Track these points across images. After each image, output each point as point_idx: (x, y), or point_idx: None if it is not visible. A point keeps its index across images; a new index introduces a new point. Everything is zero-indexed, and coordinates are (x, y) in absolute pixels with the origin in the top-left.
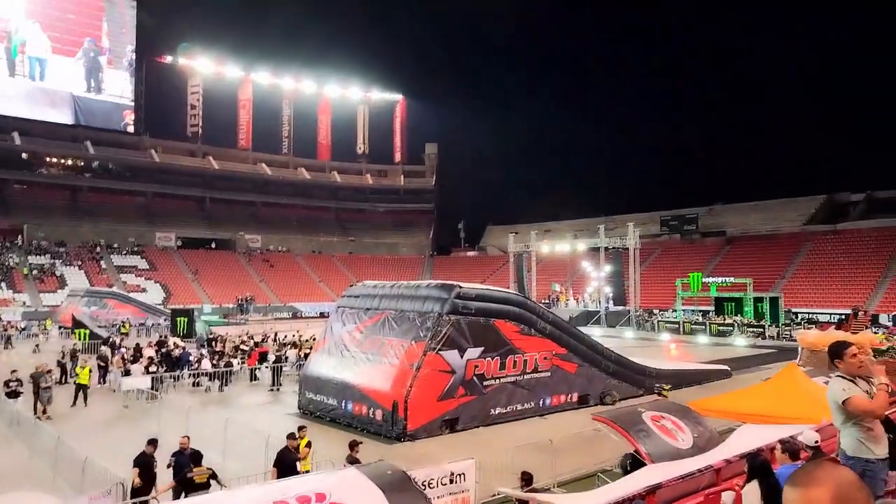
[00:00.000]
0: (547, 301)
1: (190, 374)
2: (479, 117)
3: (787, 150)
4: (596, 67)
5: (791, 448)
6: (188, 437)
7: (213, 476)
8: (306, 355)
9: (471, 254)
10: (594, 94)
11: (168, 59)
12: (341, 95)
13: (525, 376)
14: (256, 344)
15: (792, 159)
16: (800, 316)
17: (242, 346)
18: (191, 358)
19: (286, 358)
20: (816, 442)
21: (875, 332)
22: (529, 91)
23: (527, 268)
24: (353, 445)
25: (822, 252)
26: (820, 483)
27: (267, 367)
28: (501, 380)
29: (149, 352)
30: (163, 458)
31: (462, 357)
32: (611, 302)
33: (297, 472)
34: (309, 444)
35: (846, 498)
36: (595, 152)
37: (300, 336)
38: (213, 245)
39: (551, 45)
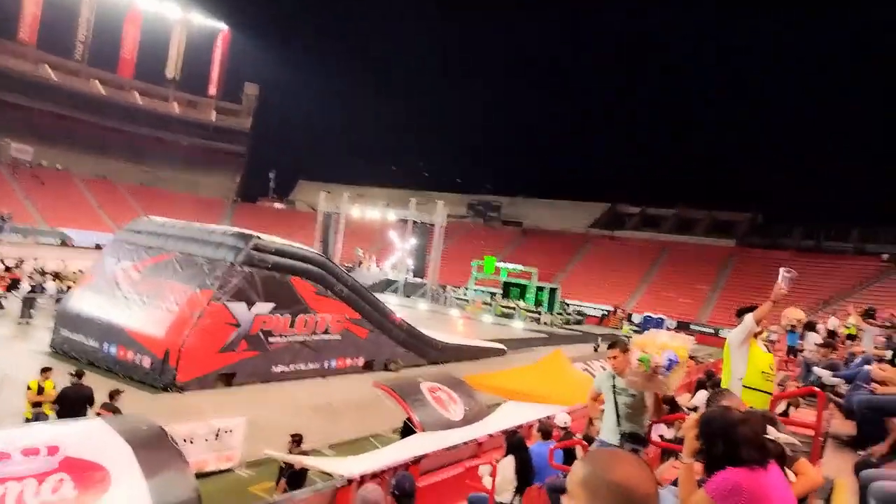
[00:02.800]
0: (350, 265)
1: None
2: (308, 68)
3: (584, 159)
4: (425, 50)
5: (545, 428)
6: None
7: None
8: (69, 288)
9: (278, 206)
10: (421, 72)
11: None
12: (156, 11)
13: (314, 337)
14: (7, 269)
15: (588, 167)
16: (571, 307)
17: None
18: None
19: (43, 288)
20: (566, 423)
21: (634, 330)
22: (361, 52)
23: (334, 229)
24: (114, 395)
25: (599, 254)
26: (593, 474)
27: (17, 296)
28: (289, 338)
29: None
30: None
31: (250, 310)
32: (411, 273)
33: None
34: (55, 388)
35: (596, 494)
36: (417, 127)
37: (65, 266)
38: None
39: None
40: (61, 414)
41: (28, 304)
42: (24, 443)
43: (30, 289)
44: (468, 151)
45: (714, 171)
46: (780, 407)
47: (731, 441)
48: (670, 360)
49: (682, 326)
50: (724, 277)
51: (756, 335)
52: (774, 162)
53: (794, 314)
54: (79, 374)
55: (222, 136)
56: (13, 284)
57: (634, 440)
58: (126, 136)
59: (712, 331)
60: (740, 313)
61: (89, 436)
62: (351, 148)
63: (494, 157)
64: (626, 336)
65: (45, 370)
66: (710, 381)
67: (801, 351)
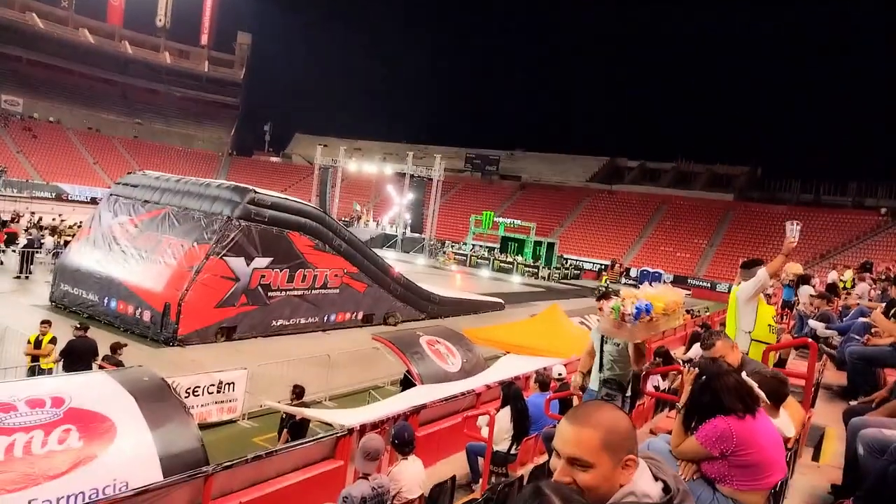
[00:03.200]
0: (346, 220)
1: None
2: (303, 16)
3: (583, 112)
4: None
5: (542, 380)
6: None
7: None
8: (66, 243)
9: (274, 160)
10: (422, 23)
11: None
12: None
13: (313, 291)
14: (3, 223)
15: (587, 121)
16: (569, 261)
17: None
18: None
19: (41, 243)
20: (561, 375)
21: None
22: (354, 3)
23: (331, 183)
24: (116, 348)
25: (598, 208)
26: (593, 424)
27: (15, 251)
28: (288, 292)
29: None
30: None
31: (248, 265)
32: (408, 228)
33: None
34: (53, 341)
35: (613, 443)
36: (414, 80)
37: (62, 220)
38: None
39: None
40: (68, 366)
41: (26, 258)
42: (28, 394)
43: (27, 243)
44: (466, 105)
45: (713, 125)
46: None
47: (716, 391)
48: (638, 308)
49: (679, 280)
50: (722, 231)
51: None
52: (773, 116)
53: (792, 268)
54: (83, 328)
55: (215, 87)
56: (10, 239)
57: (612, 386)
58: (118, 87)
59: (709, 285)
60: (746, 266)
61: (93, 388)
62: (347, 100)
63: (493, 111)
64: (604, 287)
65: (45, 323)
66: (706, 329)
67: (797, 304)
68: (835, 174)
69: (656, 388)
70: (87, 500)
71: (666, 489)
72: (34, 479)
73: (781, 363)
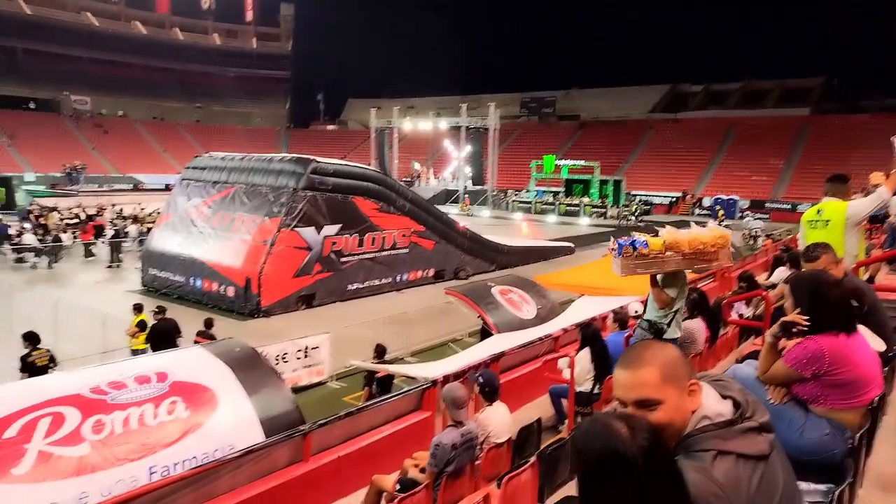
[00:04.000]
0: (408, 179)
1: (13, 250)
2: None
3: (638, 42)
4: None
5: (621, 318)
6: None
7: (52, 359)
8: (149, 230)
9: (330, 128)
10: None
11: None
12: None
13: (383, 253)
14: (90, 217)
15: (643, 48)
16: (637, 198)
17: (68, 221)
18: (9, 231)
19: (126, 233)
20: (638, 312)
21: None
22: None
23: (388, 145)
24: (209, 324)
25: (663, 139)
26: (648, 362)
27: (104, 243)
28: (359, 256)
29: None
30: None
31: (319, 234)
32: (470, 181)
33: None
34: (141, 324)
35: (673, 374)
36: (461, 28)
37: (142, 209)
38: (33, 106)
39: None
40: (155, 346)
41: (115, 248)
42: (135, 372)
43: (114, 234)
44: (516, 48)
45: (781, 36)
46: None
47: (817, 302)
48: (620, 244)
49: (756, 205)
50: (800, 150)
51: None
52: (847, 20)
53: (875, 179)
54: (161, 310)
55: (265, 62)
56: (98, 232)
57: (647, 328)
58: (174, 74)
59: (789, 206)
60: (839, 180)
61: (192, 361)
62: (395, 59)
63: (544, 51)
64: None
65: (137, 307)
66: (787, 254)
67: (887, 217)
68: None
69: (741, 316)
70: (200, 464)
71: (736, 405)
72: (151, 447)
73: (870, 281)
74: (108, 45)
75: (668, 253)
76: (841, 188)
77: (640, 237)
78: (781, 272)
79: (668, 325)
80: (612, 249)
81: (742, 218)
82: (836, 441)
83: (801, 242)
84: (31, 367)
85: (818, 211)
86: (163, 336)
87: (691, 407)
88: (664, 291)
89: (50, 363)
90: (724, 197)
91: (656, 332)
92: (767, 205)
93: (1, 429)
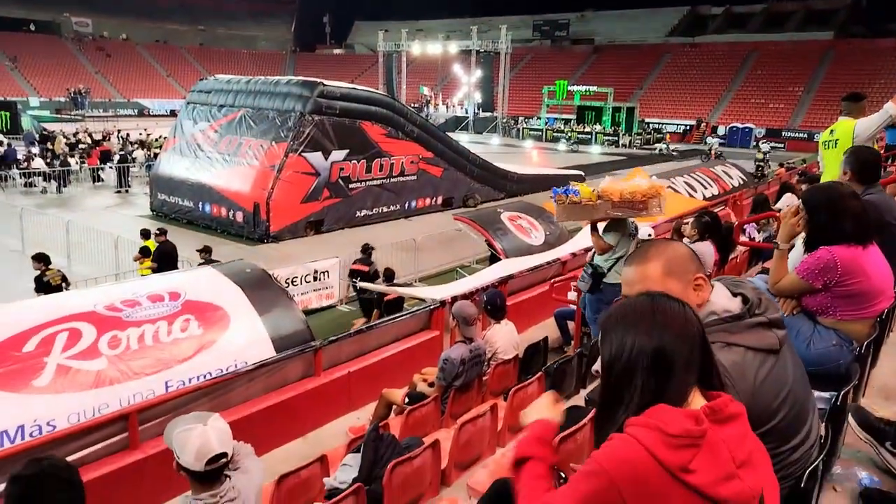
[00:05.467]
0: (417, 105)
1: (21, 174)
2: None
3: None
4: None
5: None
6: None
7: (64, 278)
8: (156, 155)
9: (337, 51)
10: None
11: None
12: None
13: (391, 179)
14: (96, 142)
15: None
16: (651, 125)
17: (80, 145)
18: (18, 156)
19: (133, 158)
20: (650, 236)
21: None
22: None
23: (397, 69)
24: (208, 250)
25: (680, 64)
26: (652, 258)
27: (111, 168)
28: (367, 183)
29: None
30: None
31: (326, 159)
32: (479, 108)
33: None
34: (144, 252)
35: (678, 269)
36: None
37: (148, 135)
38: (33, 28)
39: None
40: (160, 267)
41: (122, 173)
42: (148, 291)
43: (120, 159)
44: None
45: None
46: None
47: (835, 211)
48: (555, 191)
49: (772, 134)
50: (821, 75)
51: None
52: None
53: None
54: (163, 232)
55: None
56: (105, 157)
57: (590, 272)
58: None
59: (805, 135)
60: (854, 98)
61: (203, 281)
62: None
63: None
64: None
65: (144, 233)
66: (804, 177)
67: None
68: None
69: (751, 238)
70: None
71: (745, 301)
72: (167, 363)
73: None
74: None
75: (598, 201)
76: (855, 107)
77: (573, 185)
78: (788, 198)
79: (609, 269)
80: (552, 196)
81: (755, 147)
82: (843, 352)
83: (820, 164)
84: (46, 286)
85: (831, 131)
86: (167, 256)
87: (696, 301)
88: (601, 238)
89: (62, 282)
90: (740, 125)
91: (597, 275)
92: (784, 133)
93: (20, 343)
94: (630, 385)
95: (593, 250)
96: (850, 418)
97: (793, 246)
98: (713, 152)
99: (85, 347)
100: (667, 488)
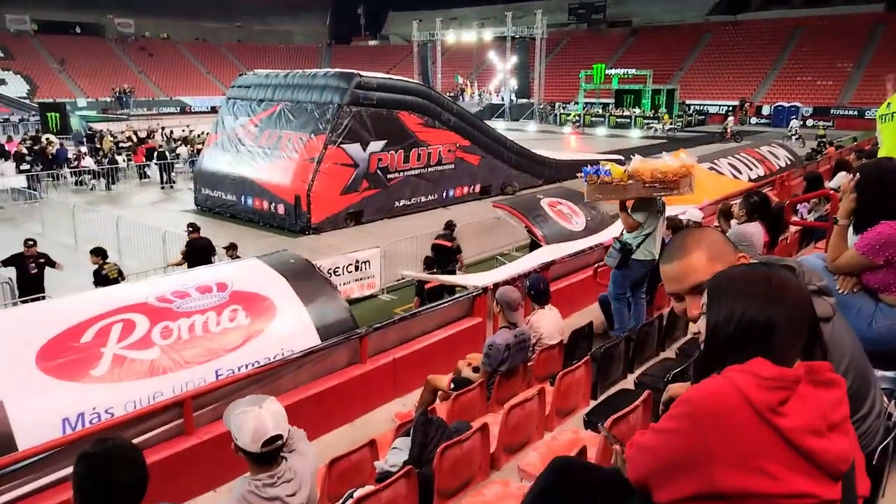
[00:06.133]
0: (452, 94)
1: (72, 173)
2: None
3: None
4: None
5: (676, 225)
6: (35, 241)
7: (120, 272)
8: (199, 151)
9: (372, 43)
10: None
11: None
12: None
13: (429, 169)
14: (141, 140)
15: None
16: (692, 107)
17: (122, 144)
18: (69, 155)
19: (177, 154)
20: (699, 219)
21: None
22: None
23: (432, 59)
24: (234, 247)
25: (721, 43)
26: (692, 248)
27: (156, 164)
28: (405, 173)
29: (13, 147)
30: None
31: (365, 150)
32: (514, 95)
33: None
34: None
35: (720, 253)
36: None
37: (191, 131)
38: (78, 30)
39: None
40: (192, 263)
41: (167, 170)
42: (197, 282)
43: (164, 156)
44: None
45: None
46: None
47: (885, 188)
48: (585, 171)
49: (820, 112)
50: (871, 50)
51: None
52: None
53: None
54: (196, 228)
55: None
56: (150, 154)
57: (619, 248)
58: None
59: (855, 113)
60: None
61: (249, 272)
62: None
63: None
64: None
65: (190, 226)
66: (861, 153)
67: None
68: None
69: (802, 217)
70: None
71: (790, 269)
72: (216, 352)
73: None
74: None
75: (629, 181)
76: None
77: (604, 166)
78: (842, 176)
79: (638, 246)
80: (580, 176)
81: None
82: None
83: (879, 138)
84: (105, 280)
85: (888, 104)
86: (199, 253)
87: None
88: (630, 216)
89: (119, 276)
90: (786, 104)
91: (626, 251)
92: (833, 111)
93: (78, 334)
94: (735, 353)
95: (622, 228)
96: None
97: (853, 221)
98: (728, 131)
99: (139, 338)
100: (753, 430)
